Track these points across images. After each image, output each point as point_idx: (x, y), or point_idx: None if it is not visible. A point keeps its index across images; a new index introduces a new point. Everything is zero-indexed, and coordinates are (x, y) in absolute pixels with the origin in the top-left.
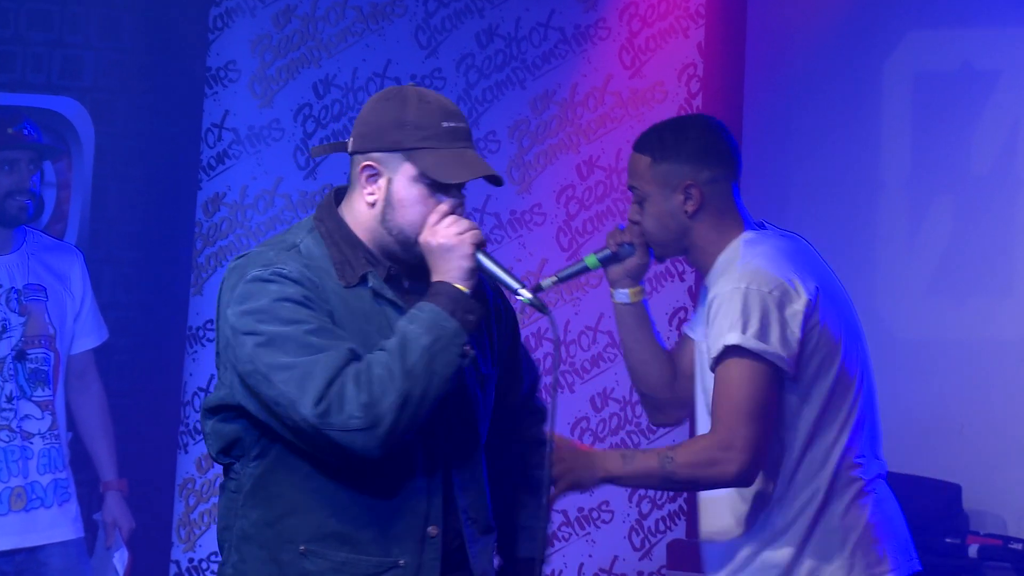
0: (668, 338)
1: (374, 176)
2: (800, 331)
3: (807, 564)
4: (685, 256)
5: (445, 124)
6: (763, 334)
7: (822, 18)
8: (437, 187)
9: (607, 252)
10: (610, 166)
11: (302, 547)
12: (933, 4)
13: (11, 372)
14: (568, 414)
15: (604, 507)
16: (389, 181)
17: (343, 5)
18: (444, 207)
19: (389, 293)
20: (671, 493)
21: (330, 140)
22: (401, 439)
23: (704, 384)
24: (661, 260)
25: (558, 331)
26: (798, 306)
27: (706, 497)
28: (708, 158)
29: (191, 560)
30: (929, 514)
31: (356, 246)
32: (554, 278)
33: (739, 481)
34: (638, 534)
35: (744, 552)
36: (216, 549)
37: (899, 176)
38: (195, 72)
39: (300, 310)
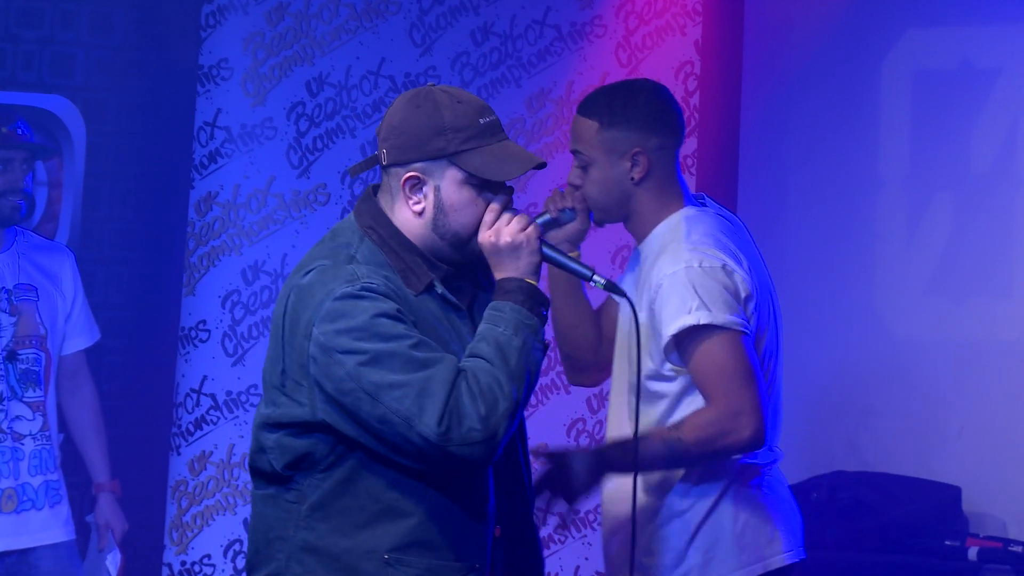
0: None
1: (418, 185)
2: (744, 308)
3: (702, 543)
4: (624, 222)
5: (482, 121)
6: (727, 308)
7: (820, 15)
8: (486, 185)
9: (547, 216)
10: None
11: (386, 555)
12: (932, 2)
13: (2, 373)
14: (564, 415)
15: (600, 510)
16: (436, 188)
17: (336, 2)
18: (497, 205)
19: (452, 297)
20: None
21: (323, 138)
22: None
23: (629, 348)
24: (600, 225)
25: (637, 314)
26: (742, 286)
27: (610, 486)
28: (657, 125)
29: (183, 563)
30: (929, 516)
31: (414, 252)
32: None
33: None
34: None
35: (644, 534)
36: (208, 552)
37: (898, 174)
38: (187, 70)
39: (397, 325)
